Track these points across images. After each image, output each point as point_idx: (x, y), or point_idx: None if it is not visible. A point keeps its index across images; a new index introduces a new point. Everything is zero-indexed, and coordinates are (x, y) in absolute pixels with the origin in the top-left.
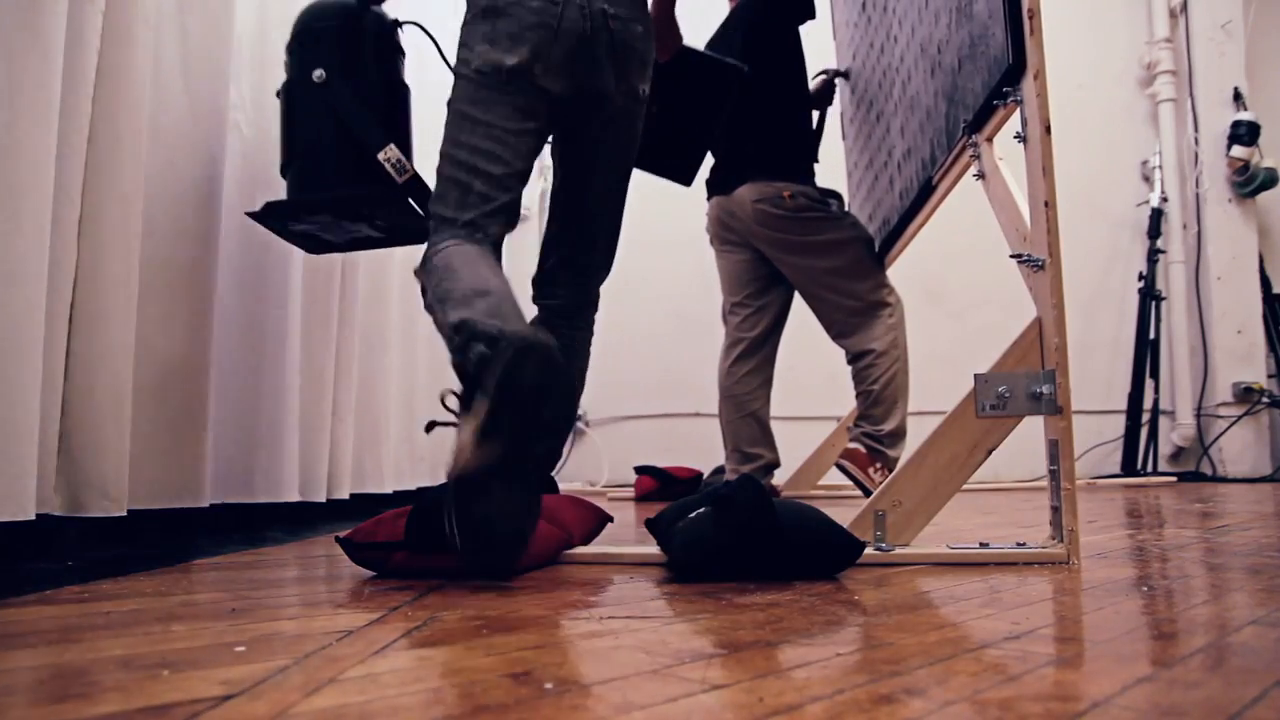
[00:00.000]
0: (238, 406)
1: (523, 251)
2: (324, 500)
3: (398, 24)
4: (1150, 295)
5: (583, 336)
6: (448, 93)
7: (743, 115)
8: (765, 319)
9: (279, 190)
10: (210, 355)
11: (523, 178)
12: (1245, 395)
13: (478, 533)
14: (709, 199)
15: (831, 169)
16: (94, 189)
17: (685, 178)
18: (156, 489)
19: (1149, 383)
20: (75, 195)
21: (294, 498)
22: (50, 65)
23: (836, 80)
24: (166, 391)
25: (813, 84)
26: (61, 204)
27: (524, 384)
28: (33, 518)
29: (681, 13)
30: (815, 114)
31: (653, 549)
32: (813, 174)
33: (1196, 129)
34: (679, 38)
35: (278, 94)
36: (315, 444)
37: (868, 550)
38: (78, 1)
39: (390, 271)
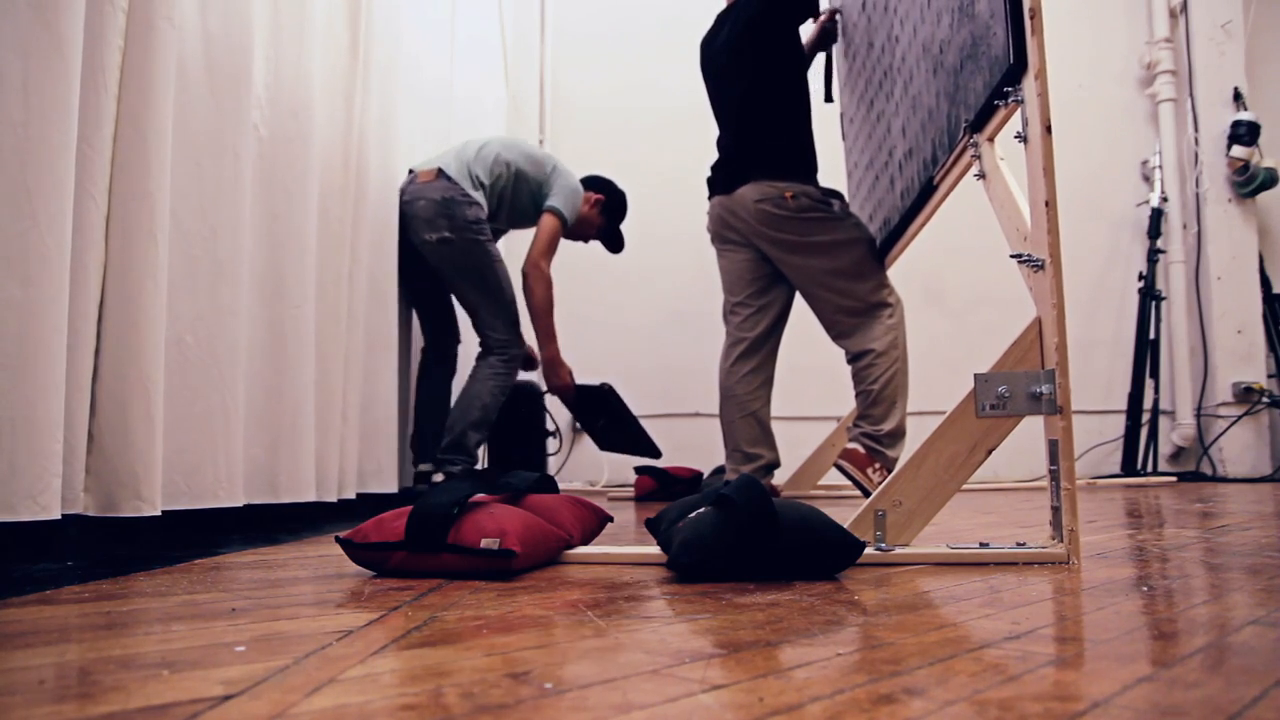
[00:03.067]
0: (262, 406)
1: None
2: (335, 500)
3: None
4: (1150, 295)
5: (482, 368)
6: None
7: (744, 115)
8: (766, 319)
9: (298, 191)
10: (240, 354)
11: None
12: (1245, 395)
13: None
14: (710, 198)
15: (832, 168)
16: (119, 187)
17: (651, 454)
18: (186, 489)
19: (1149, 382)
20: (100, 194)
21: (311, 498)
22: (68, 64)
23: (836, 19)
24: (196, 391)
25: (815, 27)
26: (84, 203)
27: None
28: (58, 517)
29: (681, 10)
30: (821, 55)
31: (653, 549)
32: (815, 173)
33: (1196, 129)
34: (566, 375)
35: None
36: (328, 444)
37: (868, 550)
38: (97, 1)
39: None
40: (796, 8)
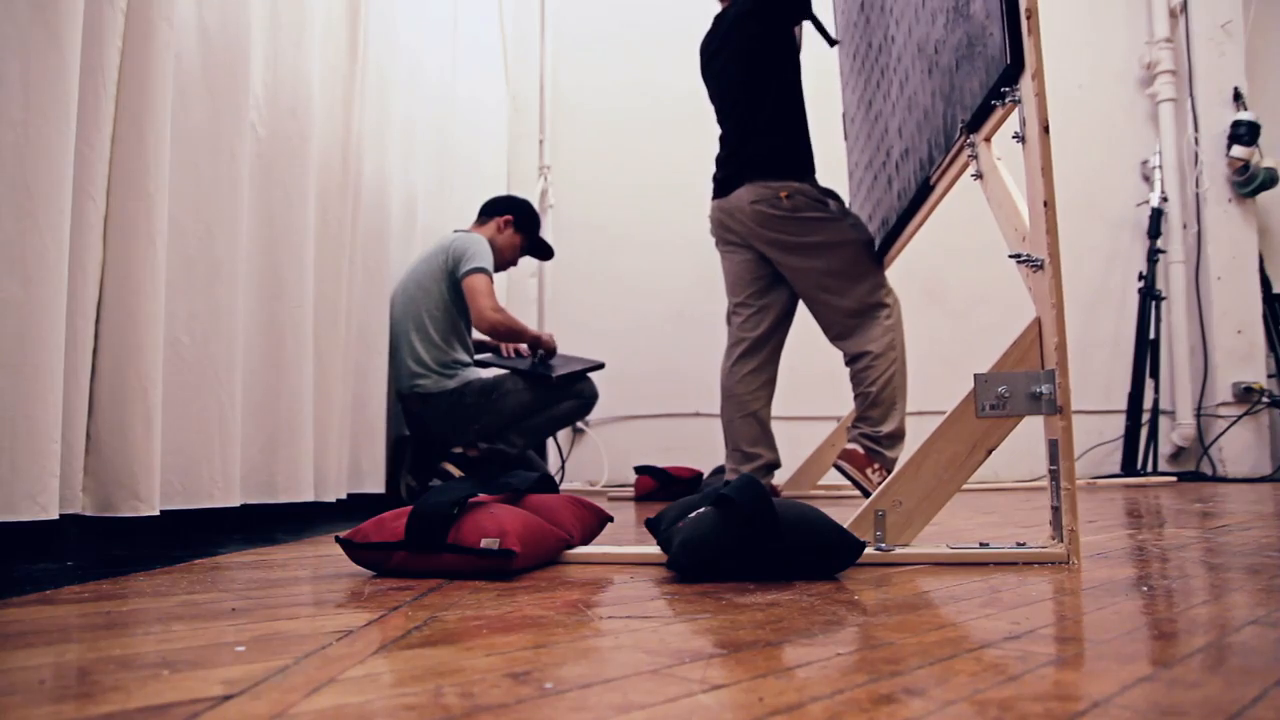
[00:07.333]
0: (259, 406)
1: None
2: (333, 500)
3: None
4: (1150, 295)
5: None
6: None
7: (738, 115)
8: (767, 319)
9: (296, 191)
10: (237, 354)
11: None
12: (1245, 395)
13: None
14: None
15: (833, 168)
16: (118, 187)
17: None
18: (181, 489)
19: (1149, 382)
20: (99, 194)
21: (309, 497)
22: (67, 63)
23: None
24: (191, 391)
25: None
26: (83, 202)
27: None
28: (56, 517)
29: (680, 10)
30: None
31: (653, 549)
32: (811, 171)
33: (1196, 129)
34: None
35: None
36: (326, 445)
37: (868, 550)
38: (96, 0)
39: (389, 272)
40: (790, 8)
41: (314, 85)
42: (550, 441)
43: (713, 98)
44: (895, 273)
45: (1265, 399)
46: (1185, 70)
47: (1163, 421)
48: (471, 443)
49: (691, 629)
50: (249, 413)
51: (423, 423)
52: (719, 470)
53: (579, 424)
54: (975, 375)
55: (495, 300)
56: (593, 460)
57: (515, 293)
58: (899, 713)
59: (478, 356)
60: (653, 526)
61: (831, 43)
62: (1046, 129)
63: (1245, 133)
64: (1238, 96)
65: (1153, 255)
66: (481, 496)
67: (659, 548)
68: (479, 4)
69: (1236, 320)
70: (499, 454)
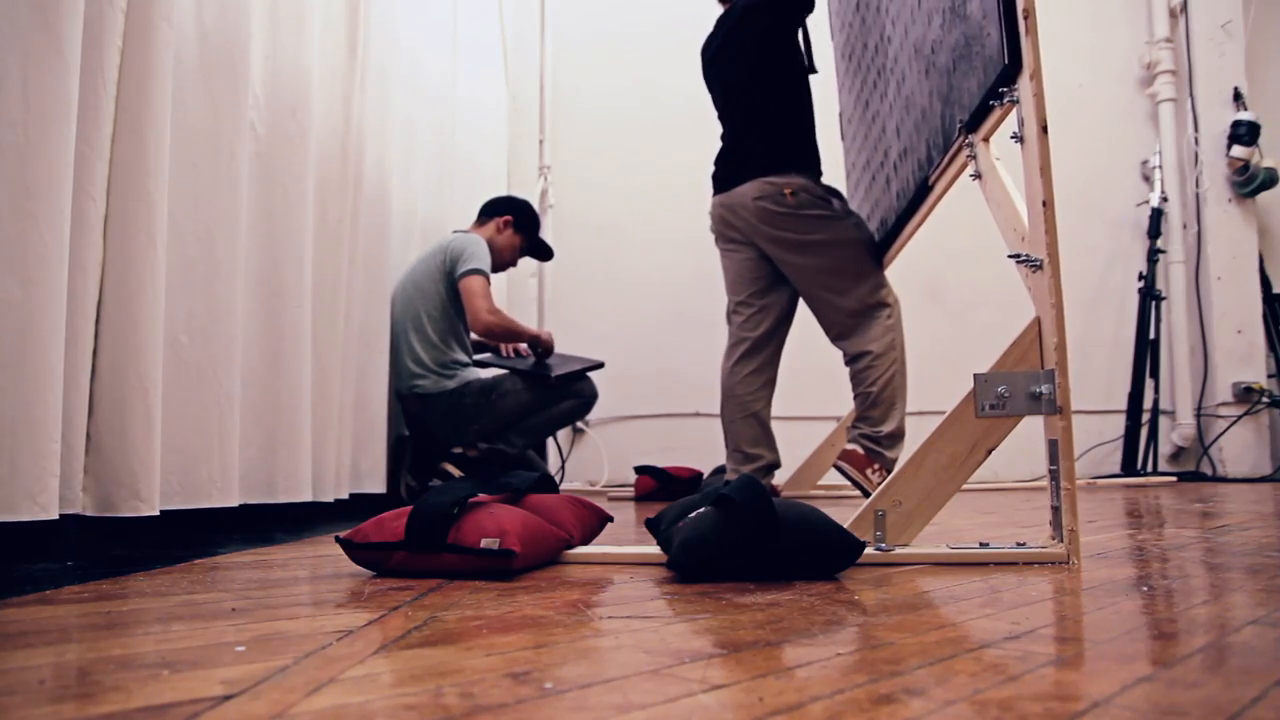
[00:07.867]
0: (258, 406)
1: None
2: (333, 500)
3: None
4: (1150, 295)
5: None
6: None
7: (743, 111)
8: (768, 319)
9: (296, 190)
10: (236, 354)
11: None
12: (1245, 395)
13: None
14: (712, 196)
15: (830, 169)
16: (118, 187)
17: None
18: (179, 488)
19: (1149, 382)
20: (99, 194)
21: (308, 497)
22: (67, 64)
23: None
24: (190, 390)
25: None
26: (83, 202)
27: None
28: (56, 517)
29: (681, 11)
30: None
31: (653, 549)
32: (816, 166)
33: (1196, 129)
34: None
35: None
36: (325, 444)
37: (868, 550)
38: (97, 1)
39: (388, 269)
40: (792, 5)
41: (313, 84)
42: (550, 441)
43: (715, 98)
44: (895, 273)
45: (1265, 399)
46: (1185, 70)
47: (1163, 421)
48: (471, 443)
49: (691, 629)
50: (248, 412)
51: (422, 423)
52: (719, 470)
53: (579, 424)
54: (975, 375)
55: (491, 302)
56: (593, 460)
57: (515, 293)
58: (899, 713)
59: (477, 356)
60: (653, 526)
61: (811, 70)
62: (1045, 129)
63: (1245, 133)
64: (1238, 96)
65: (1153, 255)
66: (481, 496)
67: (659, 548)
68: (479, 4)
69: (1236, 320)
70: (499, 454)
